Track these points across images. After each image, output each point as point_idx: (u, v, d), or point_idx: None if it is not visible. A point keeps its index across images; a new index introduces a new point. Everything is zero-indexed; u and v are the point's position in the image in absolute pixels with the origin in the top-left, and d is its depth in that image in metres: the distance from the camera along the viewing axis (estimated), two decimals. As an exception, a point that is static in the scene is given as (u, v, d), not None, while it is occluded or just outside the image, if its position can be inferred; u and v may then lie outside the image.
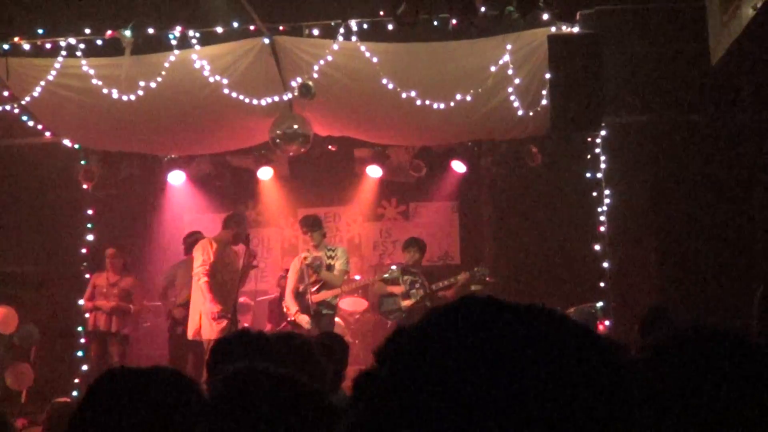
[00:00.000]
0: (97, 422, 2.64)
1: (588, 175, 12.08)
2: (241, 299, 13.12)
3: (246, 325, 13.18)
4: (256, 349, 3.99)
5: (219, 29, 10.74)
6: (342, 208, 15.14)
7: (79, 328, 13.06)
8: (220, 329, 10.69)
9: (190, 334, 11.28)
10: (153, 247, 13.11)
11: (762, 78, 9.64)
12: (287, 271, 12.13)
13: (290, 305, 11.58)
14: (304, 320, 11.32)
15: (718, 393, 2.26)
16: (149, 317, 13.22)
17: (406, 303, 12.15)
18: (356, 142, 13.67)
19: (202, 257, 11.33)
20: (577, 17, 10.34)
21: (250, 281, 12.89)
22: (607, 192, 11.63)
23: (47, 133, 12.83)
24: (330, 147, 13.90)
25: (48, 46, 10.99)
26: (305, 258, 11.46)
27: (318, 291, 11.48)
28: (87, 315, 12.75)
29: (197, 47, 10.78)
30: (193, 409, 2.71)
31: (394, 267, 12.71)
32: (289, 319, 11.55)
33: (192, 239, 12.40)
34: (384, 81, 10.97)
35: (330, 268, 11.58)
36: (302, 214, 12.91)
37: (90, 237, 13.82)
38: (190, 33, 10.75)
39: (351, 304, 13.53)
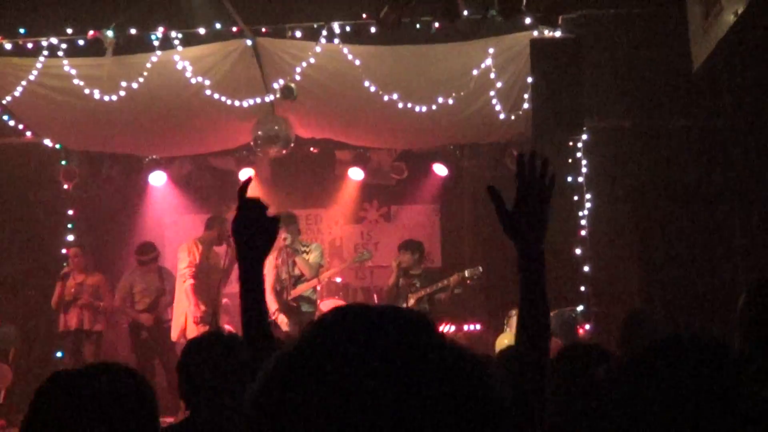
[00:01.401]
0: (46, 426, 2.63)
1: (569, 178, 12.07)
2: (224, 300, 13.10)
3: (227, 327, 13.17)
4: (229, 350, 3.97)
5: (201, 30, 10.70)
6: (323, 210, 15.12)
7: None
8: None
9: (174, 335, 11.28)
10: (132, 249, 13.02)
11: (742, 84, 9.67)
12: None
13: (270, 303, 11.58)
14: (284, 321, 11.34)
15: (698, 403, 2.26)
16: (125, 317, 13.12)
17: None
18: (338, 144, 13.67)
19: (187, 258, 11.33)
20: (560, 22, 10.36)
21: (230, 284, 12.84)
22: (588, 196, 11.64)
23: (28, 133, 12.74)
24: (312, 149, 13.89)
25: (29, 45, 10.91)
26: (285, 239, 11.42)
27: (295, 285, 11.49)
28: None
29: (179, 48, 10.73)
30: (145, 406, 2.71)
31: (366, 251, 12.74)
32: (270, 319, 11.53)
33: (148, 251, 12.40)
34: (366, 83, 10.96)
35: None
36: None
37: (70, 237, 13.74)
38: (173, 34, 10.71)
39: (330, 305, 13.47)
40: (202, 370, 3.96)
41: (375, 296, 13.69)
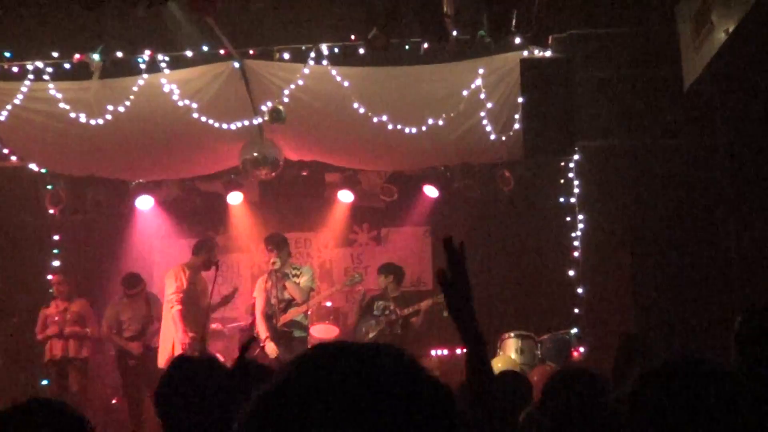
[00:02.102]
0: None
1: (561, 199, 12.09)
2: (214, 325, 13.05)
3: (217, 354, 13.10)
4: (208, 379, 3.92)
5: (188, 53, 10.67)
6: (312, 233, 15.09)
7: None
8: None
9: (162, 362, 11.22)
10: (119, 274, 12.96)
11: (734, 101, 9.68)
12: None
13: (261, 329, 11.55)
14: (271, 348, 11.29)
15: (699, 427, 2.24)
16: (112, 345, 13.01)
17: (373, 331, 12.12)
18: (327, 166, 13.64)
19: (174, 284, 11.29)
20: (550, 41, 10.37)
21: (223, 309, 12.80)
22: (580, 217, 11.62)
23: (13, 157, 12.67)
24: (301, 171, 13.86)
25: (15, 69, 10.87)
26: (274, 263, 11.40)
27: (285, 310, 11.45)
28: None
29: (166, 71, 10.71)
30: None
31: (357, 274, 12.74)
32: (261, 344, 11.50)
33: (136, 283, 12.35)
34: (355, 105, 10.95)
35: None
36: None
37: (56, 263, 13.68)
38: (159, 57, 10.68)
39: (322, 331, 13.43)
40: (178, 400, 3.91)
41: (350, 315, 13.72)
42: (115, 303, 12.57)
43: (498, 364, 10.48)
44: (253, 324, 12.18)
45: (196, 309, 11.33)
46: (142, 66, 10.69)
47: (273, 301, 11.46)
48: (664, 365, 2.41)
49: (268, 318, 11.52)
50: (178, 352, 10.83)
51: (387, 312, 12.09)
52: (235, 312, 14.09)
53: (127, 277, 12.56)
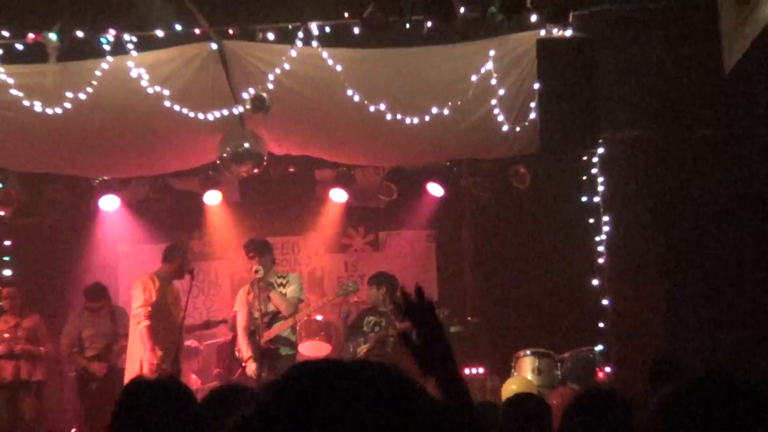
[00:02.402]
0: None
1: (584, 199, 12.09)
2: (188, 342, 13.03)
3: (193, 376, 13.12)
4: (170, 405, 3.91)
5: (159, 33, 10.67)
6: (301, 237, 15.09)
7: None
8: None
9: (128, 385, 11.18)
10: (80, 284, 12.94)
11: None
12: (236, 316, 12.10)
13: (243, 347, 11.55)
14: (251, 369, 11.31)
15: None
16: (72, 365, 12.97)
17: (362, 349, 12.11)
18: (317, 162, 13.64)
19: (142, 296, 11.26)
20: (570, 19, 10.35)
21: (192, 314, 12.77)
22: (605, 218, 11.63)
23: (-42, 153, 12.68)
24: (287, 168, 13.85)
25: (-41, 51, 10.87)
26: (256, 271, 11.40)
27: (269, 325, 11.44)
28: None
29: (134, 53, 10.67)
30: None
31: (351, 283, 12.73)
32: (242, 365, 11.50)
33: (100, 295, 12.34)
34: (349, 92, 10.94)
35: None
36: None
37: (7, 272, 13.66)
38: (126, 37, 10.65)
39: (312, 349, 13.39)
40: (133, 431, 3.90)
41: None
42: (76, 318, 12.54)
43: (512, 387, 10.49)
44: (233, 341, 12.17)
45: (168, 324, 11.31)
46: (106, 47, 10.66)
47: (256, 314, 11.45)
48: (692, 384, 2.42)
49: (251, 334, 11.52)
50: (146, 374, 10.83)
51: (378, 329, 12.08)
52: (213, 327, 14.10)
53: (90, 287, 12.54)
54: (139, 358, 11.10)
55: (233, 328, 12.33)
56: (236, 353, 11.83)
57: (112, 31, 10.66)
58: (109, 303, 12.54)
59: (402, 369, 1.46)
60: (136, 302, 11.29)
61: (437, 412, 1.41)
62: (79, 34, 10.60)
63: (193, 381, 13.16)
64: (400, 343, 11.64)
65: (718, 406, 2.33)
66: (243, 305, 11.71)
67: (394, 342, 11.92)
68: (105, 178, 13.99)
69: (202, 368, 13.57)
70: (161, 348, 11.09)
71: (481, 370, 12.77)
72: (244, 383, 7.84)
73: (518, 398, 6.13)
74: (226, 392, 4.46)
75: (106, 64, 10.71)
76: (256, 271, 11.42)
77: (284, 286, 11.67)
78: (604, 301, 11.56)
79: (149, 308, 11.20)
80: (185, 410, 3.86)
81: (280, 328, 11.51)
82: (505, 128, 11.42)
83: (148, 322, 11.13)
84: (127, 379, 11.18)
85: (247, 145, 12.09)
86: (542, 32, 10.44)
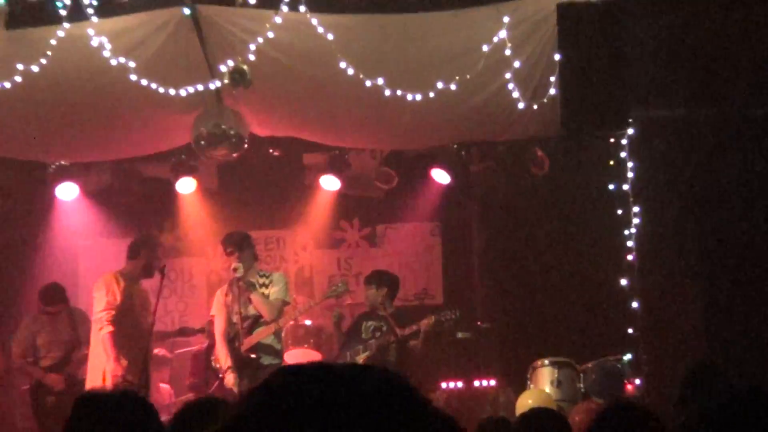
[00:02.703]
0: None
1: (611, 187, 12.07)
2: (157, 351, 13.02)
3: (162, 385, 13.10)
4: (128, 421, 3.89)
5: (124, -5, 10.67)
6: (287, 231, 15.09)
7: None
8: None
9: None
10: (34, 284, 12.92)
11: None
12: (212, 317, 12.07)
13: (221, 356, 11.53)
14: (230, 381, 11.29)
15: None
16: (25, 377, 12.96)
17: (361, 358, 12.09)
18: (306, 144, 13.63)
19: (105, 299, 11.25)
20: (596, -20, 10.36)
21: (163, 318, 12.76)
22: (636, 209, 11.62)
23: None
24: (272, 151, 13.84)
25: None
26: (234, 270, 11.37)
27: (250, 331, 11.41)
28: None
29: (94, 19, 10.64)
30: None
31: (341, 283, 12.71)
32: (220, 375, 11.49)
33: (57, 298, 12.32)
34: (342, 65, 10.91)
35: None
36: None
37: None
38: (86, 0, 10.65)
39: (299, 358, 13.42)
40: None
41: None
42: (30, 323, 12.53)
43: (528, 401, 10.48)
44: (209, 349, 12.16)
45: (135, 330, 11.31)
46: (63, 12, 10.63)
47: (234, 318, 11.43)
48: (730, 399, 2.41)
49: (230, 341, 11.50)
50: (109, 385, 10.83)
51: (378, 335, 12.07)
52: (188, 335, 14.10)
53: (46, 289, 12.52)
54: (101, 369, 11.10)
55: (210, 335, 12.31)
56: (213, 363, 11.80)
57: (69, -6, 10.64)
58: (67, 306, 12.50)
59: (404, 376, 1.43)
60: (98, 305, 11.28)
61: (443, 424, 1.40)
62: (32, -4, 10.59)
63: (166, 393, 13.16)
64: (402, 350, 11.69)
65: (757, 424, 2.32)
66: (221, 308, 11.69)
67: (397, 349, 11.89)
68: (62, 163, 13.99)
69: (173, 380, 13.56)
70: (126, 357, 11.08)
71: (492, 382, 12.79)
72: (222, 397, 7.82)
73: (533, 414, 6.11)
74: (201, 407, 4.44)
75: (62, 31, 10.66)
76: (235, 270, 11.39)
77: (267, 286, 11.64)
78: (634, 304, 11.57)
79: (113, 312, 11.19)
80: (144, 427, 3.83)
81: (261, 335, 11.47)
82: (520, 106, 11.40)
83: (111, 328, 11.12)
84: (89, 393, 11.21)
85: (225, 125, 12.07)
86: (564, -5, 10.44)
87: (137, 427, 3.80)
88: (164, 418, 4.67)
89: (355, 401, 1.34)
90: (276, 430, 1.32)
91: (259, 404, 1.36)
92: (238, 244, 11.70)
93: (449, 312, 11.85)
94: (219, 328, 11.69)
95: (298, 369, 1.43)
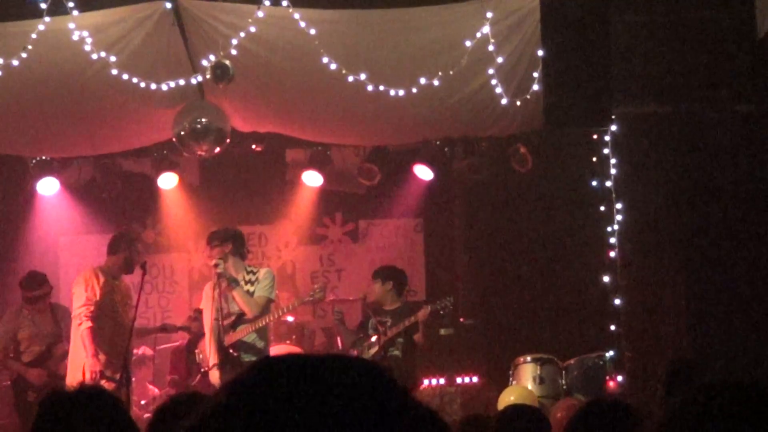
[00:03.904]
0: None
1: (594, 183, 12.09)
2: (139, 350, 12.99)
3: (151, 386, 13.06)
4: (96, 419, 3.86)
5: (105, -11, 10.65)
6: (269, 227, 15.07)
7: None
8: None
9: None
10: (14, 279, 12.87)
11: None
12: (197, 311, 12.01)
13: (208, 350, 11.45)
14: (215, 377, 11.22)
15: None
16: (6, 372, 12.91)
17: (367, 354, 12.00)
18: (288, 140, 13.63)
19: (84, 294, 11.21)
20: (579, -25, 10.37)
21: (145, 314, 12.72)
22: (618, 206, 11.63)
23: None
24: (254, 146, 13.82)
25: None
26: (216, 265, 11.27)
27: (233, 326, 11.34)
28: None
29: (75, 13, 10.61)
30: None
31: (318, 288, 12.62)
32: (202, 369, 11.44)
33: (39, 283, 12.27)
34: (325, 60, 10.90)
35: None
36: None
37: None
38: (67, -6, 10.63)
39: (281, 353, 13.40)
40: None
41: (339, 339, 13.62)
42: (11, 317, 12.46)
43: (510, 397, 10.48)
44: (190, 344, 12.12)
45: (114, 326, 11.26)
46: (43, 6, 10.59)
47: (216, 315, 11.33)
48: (708, 392, 2.41)
49: (217, 337, 11.41)
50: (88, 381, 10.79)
51: (381, 330, 11.99)
52: (170, 332, 14.06)
53: (27, 276, 12.48)
54: (81, 366, 11.05)
55: (191, 331, 12.27)
56: (197, 357, 11.74)
57: (50, -13, 10.60)
58: (48, 295, 12.41)
59: (385, 368, 1.42)
60: (78, 301, 11.24)
61: (424, 417, 1.39)
62: (11, -10, 10.56)
63: (152, 393, 13.14)
64: (408, 345, 11.64)
65: (737, 417, 2.32)
66: (208, 302, 11.56)
67: (402, 344, 11.80)
68: (43, 157, 13.93)
69: (156, 376, 13.53)
70: (105, 353, 11.03)
71: (474, 379, 12.79)
72: (203, 392, 7.77)
73: (513, 410, 6.09)
74: (181, 401, 4.41)
75: (43, 25, 10.62)
76: (215, 265, 11.31)
77: (252, 283, 11.53)
78: (616, 301, 11.58)
79: (92, 308, 11.14)
80: (113, 424, 3.80)
81: (243, 332, 11.38)
82: (503, 101, 11.41)
83: (90, 324, 11.07)
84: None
85: (206, 120, 12.04)
86: (547, -9, 10.45)
87: (106, 424, 3.78)
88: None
89: (331, 393, 1.33)
90: (250, 423, 1.31)
91: (234, 397, 1.35)
92: (222, 238, 11.64)
93: (444, 300, 11.78)
94: (207, 323, 11.63)
95: (274, 361, 1.41)
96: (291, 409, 1.30)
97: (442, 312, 11.79)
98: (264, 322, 11.55)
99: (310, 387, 1.33)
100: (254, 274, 11.61)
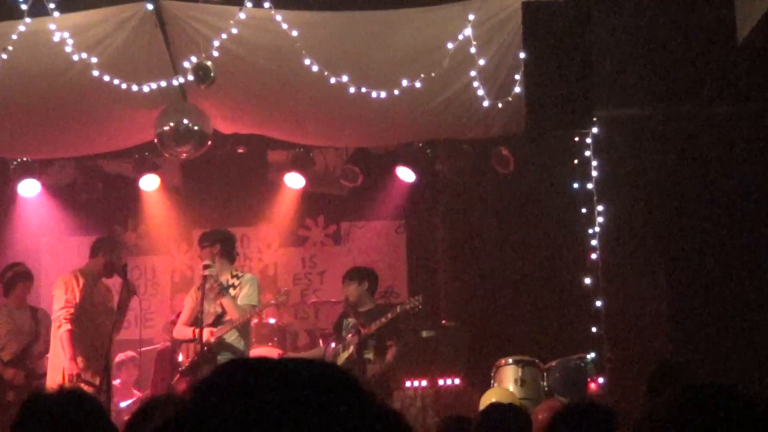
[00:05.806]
0: None
1: (575, 185, 12.09)
2: (123, 355, 12.95)
3: (137, 393, 13.03)
4: (74, 421, 3.85)
5: (86, -10, 10.62)
6: (251, 229, 15.04)
7: None
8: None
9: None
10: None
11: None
12: (180, 315, 11.99)
13: (182, 335, 11.44)
14: (193, 376, 11.21)
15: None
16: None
17: (341, 357, 11.96)
18: (270, 141, 13.63)
19: (64, 297, 11.19)
20: (561, -22, 10.38)
21: (129, 326, 12.69)
22: (600, 208, 11.63)
23: None
24: (236, 148, 13.81)
25: None
26: (206, 266, 11.28)
27: (214, 324, 11.32)
28: None
29: (56, 14, 10.58)
30: None
31: (281, 292, 12.59)
32: (181, 369, 11.41)
33: (11, 274, 12.21)
34: (307, 62, 10.90)
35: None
36: (198, 236, 12.61)
37: None
38: (47, -6, 10.60)
39: (263, 355, 13.36)
40: None
41: (321, 341, 13.59)
42: None
43: (491, 399, 10.46)
44: (175, 347, 12.11)
45: (95, 329, 11.23)
46: (24, 6, 10.56)
47: (198, 314, 11.30)
48: (685, 395, 2.42)
49: (198, 335, 11.40)
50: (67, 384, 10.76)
51: (355, 331, 11.94)
52: (150, 331, 14.03)
53: (7, 266, 12.46)
54: (61, 368, 11.02)
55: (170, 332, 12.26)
56: (179, 358, 11.73)
57: (30, -12, 10.57)
58: (29, 288, 12.36)
59: (348, 372, 1.42)
60: (57, 303, 11.21)
61: (387, 420, 1.41)
62: (-9, -10, 10.52)
63: (133, 393, 13.12)
64: (380, 347, 11.58)
65: (713, 420, 2.33)
66: (190, 308, 11.58)
67: (374, 346, 11.71)
68: (24, 159, 13.90)
69: (139, 378, 13.50)
70: (84, 356, 11.00)
71: (456, 381, 12.79)
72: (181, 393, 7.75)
73: (494, 408, 6.09)
74: (157, 403, 4.39)
75: (23, 26, 10.60)
76: (206, 267, 11.30)
77: (236, 287, 11.52)
78: (598, 303, 11.58)
79: (71, 310, 11.11)
80: (90, 426, 3.79)
81: (222, 331, 11.35)
82: (485, 104, 11.42)
83: (69, 327, 11.04)
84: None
85: (188, 121, 12.02)
86: (529, -7, 10.45)
87: (83, 427, 3.76)
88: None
89: (296, 396, 1.34)
90: (217, 425, 1.32)
91: (201, 398, 1.37)
92: (211, 240, 11.63)
93: (412, 300, 11.67)
94: (183, 316, 11.62)
95: (242, 363, 1.42)
96: (254, 410, 1.32)
97: (413, 310, 11.71)
98: (240, 322, 11.55)
99: (273, 388, 1.35)
100: (238, 279, 11.61)
